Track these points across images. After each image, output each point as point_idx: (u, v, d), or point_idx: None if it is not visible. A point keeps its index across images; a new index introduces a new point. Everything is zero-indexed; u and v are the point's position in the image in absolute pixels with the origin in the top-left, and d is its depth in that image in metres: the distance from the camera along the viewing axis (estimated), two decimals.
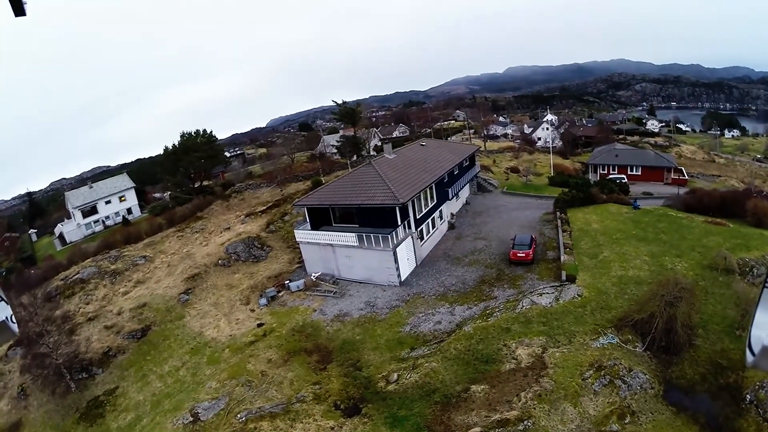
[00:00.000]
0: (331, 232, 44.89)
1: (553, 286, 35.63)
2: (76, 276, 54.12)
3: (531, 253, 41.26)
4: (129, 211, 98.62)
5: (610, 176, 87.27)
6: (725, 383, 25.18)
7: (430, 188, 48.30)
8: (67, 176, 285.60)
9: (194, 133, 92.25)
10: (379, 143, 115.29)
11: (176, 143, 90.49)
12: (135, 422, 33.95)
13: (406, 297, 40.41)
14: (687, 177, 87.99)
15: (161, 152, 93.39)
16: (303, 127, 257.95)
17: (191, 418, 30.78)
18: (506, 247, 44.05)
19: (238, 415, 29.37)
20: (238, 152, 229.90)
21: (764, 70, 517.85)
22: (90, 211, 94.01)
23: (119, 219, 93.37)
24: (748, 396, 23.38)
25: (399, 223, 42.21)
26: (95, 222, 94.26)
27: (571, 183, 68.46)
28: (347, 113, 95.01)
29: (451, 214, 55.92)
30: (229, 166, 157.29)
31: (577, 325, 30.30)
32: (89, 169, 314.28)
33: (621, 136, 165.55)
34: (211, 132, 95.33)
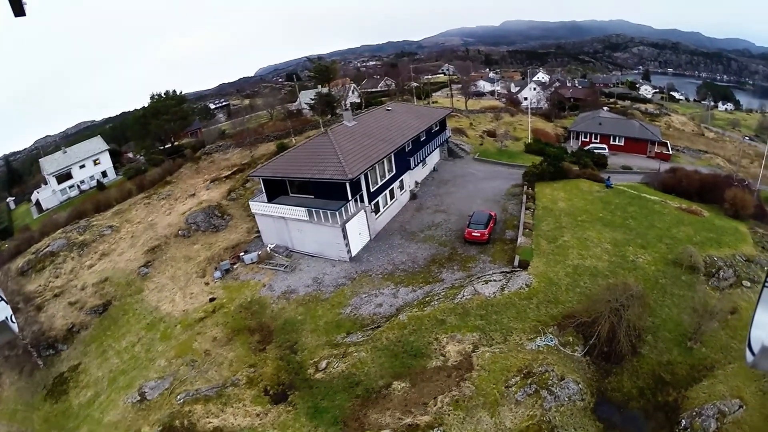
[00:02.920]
0: (282, 206, 42.98)
1: (503, 272, 34.02)
2: (47, 249, 53.75)
3: (486, 233, 39.46)
4: (104, 174, 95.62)
5: (592, 145, 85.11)
6: (663, 402, 24.07)
7: (389, 159, 46.13)
8: (52, 133, 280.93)
9: (164, 94, 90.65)
10: (358, 99, 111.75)
11: (146, 105, 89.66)
12: (94, 399, 34.60)
13: (353, 274, 38.87)
14: (671, 152, 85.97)
15: (136, 111, 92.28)
16: (291, 77, 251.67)
17: (139, 397, 31.52)
18: (465, 222, 42.14)
19: (178, 397, 29.87)
20: (224, 103, 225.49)
21: (765, 45, 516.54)
22: (65, 176, 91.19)
23: (94, 183, 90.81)
24: (683, 421, 22.10)
25: (350, 197, 40.32)
26: (70, 187, 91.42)
27: (547, 152, 66.39)
28: (321, 70, 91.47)
29: (416, 182, 53.83)
30: (213, 118, 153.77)
31: (516, 321, 28.83)
32: (74, 124, 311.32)
33: (612, 100, 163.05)
34: (181, 93, 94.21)
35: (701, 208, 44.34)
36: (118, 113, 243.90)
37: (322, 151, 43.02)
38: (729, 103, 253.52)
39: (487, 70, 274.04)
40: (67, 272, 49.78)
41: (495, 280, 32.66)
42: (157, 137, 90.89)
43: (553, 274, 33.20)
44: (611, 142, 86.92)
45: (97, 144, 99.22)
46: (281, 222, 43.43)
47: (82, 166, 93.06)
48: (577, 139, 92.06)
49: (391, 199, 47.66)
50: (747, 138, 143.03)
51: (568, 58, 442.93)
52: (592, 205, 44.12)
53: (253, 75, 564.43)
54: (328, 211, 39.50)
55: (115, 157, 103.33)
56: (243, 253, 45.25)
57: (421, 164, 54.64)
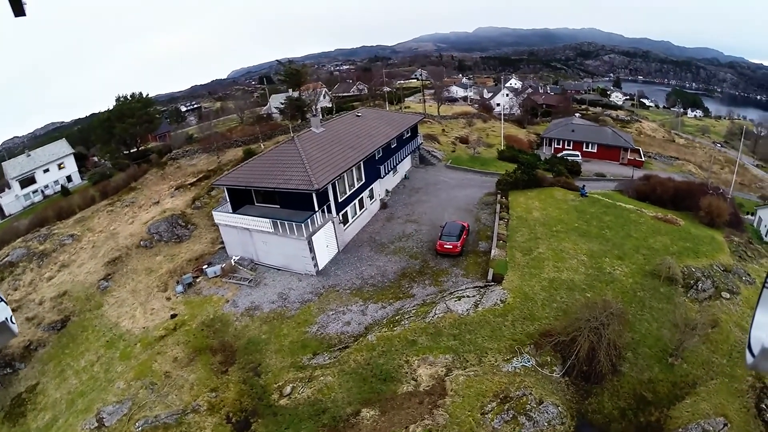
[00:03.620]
0: (246, 217, 40.67)
1: (476, 287, 32.49)
2: (6, 259, 50.38)
3: (459, 245, 37.83)
4: (69, 178, 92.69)
5: (565, 152, 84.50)
6: (646, 422, 23.06)
7: (358, 167, 44.34)
8: (20, 134, 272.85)
9: (130, 96, 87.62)
10: (329, 104, 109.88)
11: (111, 108, 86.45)
12: (52, 423, 32.04)
13: (320, 289, 36.83)
14: (643, 159, 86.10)
15: (101, 114, 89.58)
16: (265, 80, 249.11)
17: (96, 424, 29.15)
18: (437, 233, 40.64)
19: (137, 424, 27.72)
20: (195, 106, 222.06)
21: (733, 54, 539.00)
22: (28, 180, 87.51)
23: (59, 188, 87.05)
24: None
25: (316, 208, 38.17)
26: (34, 192, 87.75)
27: (520, 159, 65.37)
28: (292, 74, 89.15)
29: (387, 190, 52.16)
30: (183, 121, 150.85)
31: (491, 341, 27.26)
32: (42, 126, 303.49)
33: (583, 107, 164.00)
34: (147, 95, 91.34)
35: (677, 217, 43.67)
36: (88, 114, 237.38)
37: (288, 159, 41.00)
38: (698, 110, 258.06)
39: (460, 75, 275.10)
40: (26, 284, 46.74)
41: (468, 296, 31.12)
42: (122, 141, 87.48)
43: (529, 288, 31.87)
44: (584, 149, 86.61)
45: (62, 147, 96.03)
46: (246, 233, 41.21)
47: (46, 170, 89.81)
48: (550, 145, 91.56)
49: (360, 209, 45.81)
50: (719, 145, 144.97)
51: (541, 64, 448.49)
52: (568, 215, 43.02)
53: (226, 77, 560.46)
54: (294, 223, 37.40)
55: (81, 160, 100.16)
56: (206, 266, 42.94)
57: (391, 172, 52.98)
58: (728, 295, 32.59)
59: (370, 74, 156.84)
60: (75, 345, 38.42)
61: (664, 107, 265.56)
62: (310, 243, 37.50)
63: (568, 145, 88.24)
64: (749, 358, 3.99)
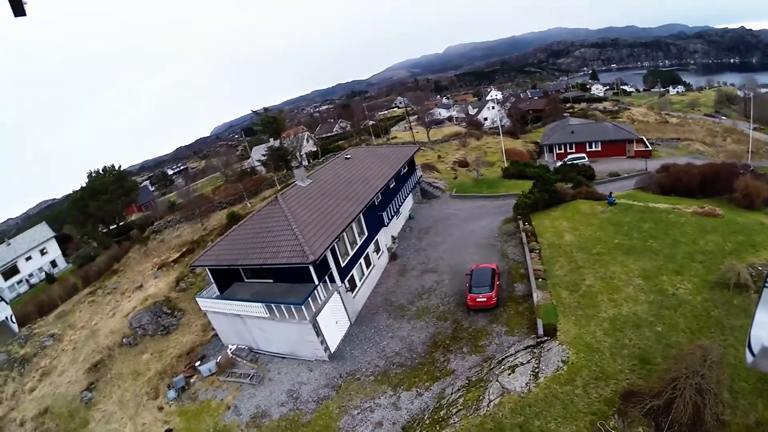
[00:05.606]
0: (235, 302, 34.32)
1: (527, 348, 26.14)
2: None
3: (494, 296, 31.53)
4: (53, 264, 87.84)
5: (569, 156, 79.81)
6: None
7: (358, 221, 38.35)
8: (13, 216, 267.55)
9: (102, 170, 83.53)
10: (314, 147, 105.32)
11: (83, 185, 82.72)
12: None
13: (337, 379, 30.23)
14: (650, 147, 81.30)
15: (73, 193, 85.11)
16: (248, 132, 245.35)
17: None
18: (461, 280, 34.74)
19: None
20: (182, 167, 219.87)
21: (698, 24, 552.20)
22: (11, 271, 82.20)
23: (43, 275, 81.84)
24: None
25: (316, 281, 31.75)
26: (18, 283, 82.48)
27: (529, 174, 60.29)
28: (269, 122, 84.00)
29: (393, 237, 46.24)
30: (171, 185, 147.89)
31: (567, 422, 20.67)
32: (35, 204, 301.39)
33: (568, 105, 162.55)
34: (120, 167, 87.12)
35: (714, 207, 38.49)
36: (77, 188, 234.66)
37: (274, 225, 34.68)
38: (679, 86, 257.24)
39: (438, 96, 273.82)
40: (8, 397, 40.76)
41: (522, 363, 24.77)
42: (99, 219, 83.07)
43: (590, 336, 25.58)
44: (588, 149, 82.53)
45: (42, 231, 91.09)
46: (238, 320, 34.90)
47: (29, 258, 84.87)
48: (552, 152, 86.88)
49: (367, 268, 39.64)
50: (723, 118, 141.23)
51: (515, 72, 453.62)
52: (603, 230, 37.18)
53: (209, 134, 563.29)
54: (292, 306, 30.89)
55: (66, 242, 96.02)
56: (199, 362, 36.82)
57: (395, 215, 46.62)
58: None
59: (351, 110, 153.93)
60: None
61: (644, 90, 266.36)
62: (315, 326, 31.03)
63: (571, 149, 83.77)
64: (749, 357, 4.16)
